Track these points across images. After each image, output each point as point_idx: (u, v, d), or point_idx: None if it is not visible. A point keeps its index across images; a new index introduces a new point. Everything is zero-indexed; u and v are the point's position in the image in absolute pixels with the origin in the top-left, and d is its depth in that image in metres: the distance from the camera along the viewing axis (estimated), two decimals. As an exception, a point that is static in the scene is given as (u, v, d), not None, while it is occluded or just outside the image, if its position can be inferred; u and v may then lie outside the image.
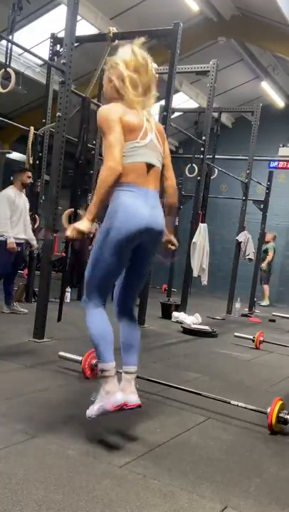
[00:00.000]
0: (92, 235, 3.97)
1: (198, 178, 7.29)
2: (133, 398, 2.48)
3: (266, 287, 11.64)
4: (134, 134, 2.34)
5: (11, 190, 5.72)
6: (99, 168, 7.15)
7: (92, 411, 2.41)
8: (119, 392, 2.39)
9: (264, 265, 11.16)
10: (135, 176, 2.35)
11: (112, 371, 2.39)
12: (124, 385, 2.51)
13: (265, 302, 11.61)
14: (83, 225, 2.35)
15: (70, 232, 2.38)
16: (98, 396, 2.43)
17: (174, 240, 2.74)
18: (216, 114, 8.87)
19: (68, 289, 7.26)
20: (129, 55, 2.44)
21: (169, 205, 2.66)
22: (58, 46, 5.90)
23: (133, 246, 2.40)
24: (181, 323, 6.59)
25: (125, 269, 2.55)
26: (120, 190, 2.34)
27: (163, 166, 2.54)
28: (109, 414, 2.41)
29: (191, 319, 6.64)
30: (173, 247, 2.76)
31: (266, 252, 11.26)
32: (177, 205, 2.82)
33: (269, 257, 11.39)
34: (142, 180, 2.37)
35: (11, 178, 5.89)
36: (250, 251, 9.06)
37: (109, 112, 2.33)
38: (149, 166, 2.40)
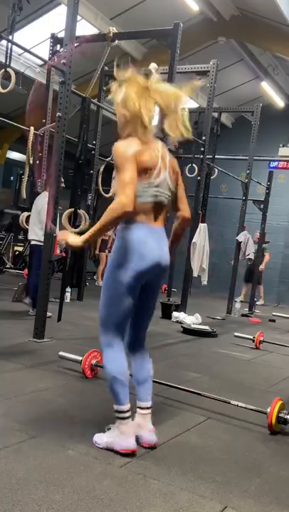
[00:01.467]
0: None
1: (198, 178, 7.29)
2: (151, 438, 2.44)
3: (261, 287, 11.57)
4: (148, 173, 2.33)
5: None
6: (99, 168, 7.23)
7: (101, 441, 2.38)
8: (133, 436, 2.35)
9: (263, 266, 11.08)
10: (146, 214, 2.36)
11: (128, 413, 2.36)
12: (140, 421, 2.47)
13: (262, 301, 11.55)
14: (75, 242, 2.34)
15: (60, 237, 2.40)
16: (112, 429, 2.39)
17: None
18: (216, 114, 8.88)
19: (68, 289, 7.26)
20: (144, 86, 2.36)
21: (175, 234, 2.68)
22: (58, 46, 5.91)
23: (142, 282, 2.41)
24: (181, 323, 6.60)
25: (134, 306, 2.51)
26: (132, 229, 2.35)
27: (176, 199, 2.54)
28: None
29: (191, 319, 6.64)
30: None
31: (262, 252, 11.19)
32: (183, 235, 2.81)
33: (266, 258, 11.30)
34: (150, 218, 2.39)
35: (11, 178, 5.89)
36: (250, 251, 9.07)
37: (126, 150, 2.29)
38: (158, 204, 2.41)
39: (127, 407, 2.35)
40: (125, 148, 2.30)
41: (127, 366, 2.41)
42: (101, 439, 2.39)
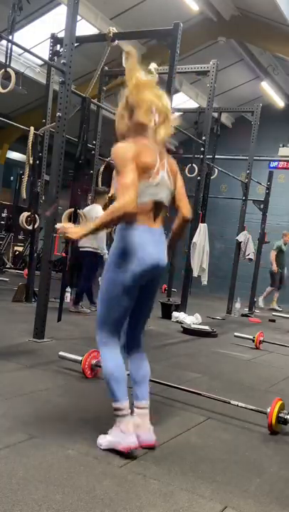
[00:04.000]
0: None
1: (198, 178, 7.29)
2: (149, 436, 2.44)
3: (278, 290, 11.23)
4: (147, 174, 2.33)
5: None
6: (99, 168, 7.22)
7: (104, 442, 2.38)
8: (134, 434, 2.35)
9: (275, 268, 10.98)
10: (145, 214, 2.37)
11: (126, 410, 2.36)
12: (138, 421, 2.46)
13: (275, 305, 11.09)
14: (72, 232, 2.35)
15: (60, 229, 2.40)
16: (112, 429, 2.39)
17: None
18: (215, 114, 8.88)
19: (68, 289, 7.26)
20: (149, 93, 2.39)
21: (175, 233, 2.67)
22: (58, 46, 5.91)
23: (140, 284, 2.42)
24: (181, 323, 6.60)
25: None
26: (132, 230, 2.35)
27: (175, 197, 2.54)
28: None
29: (191, 319, 6.64)
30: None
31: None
32: (182, 235, 2.81)
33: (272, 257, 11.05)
34: (150, 219, 2.40)
35: (11, 178, 5.91)
36: (250, 251, 9.06)
37: (125, 151, 2.30)
38: (157, 204, 2.41)
39: (125, 404, 2.35)
40: (125, 150, 2.31)
41: (123, 364, 2.42)
42: (104, 439, 2.39)
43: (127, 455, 2.29)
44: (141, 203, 2.31)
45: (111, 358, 2.43)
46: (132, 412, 2.43)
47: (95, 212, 6.24)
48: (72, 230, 2.37)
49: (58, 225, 2.44)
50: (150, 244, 2.37)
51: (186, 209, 2.61)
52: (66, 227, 2.40)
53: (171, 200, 2.51)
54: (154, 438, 2.46)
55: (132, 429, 2.36)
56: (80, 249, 6.43)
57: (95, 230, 2.36)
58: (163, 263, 2.45)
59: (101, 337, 2.46)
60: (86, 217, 5.53)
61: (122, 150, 2.32)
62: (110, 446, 2.34)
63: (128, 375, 2.50)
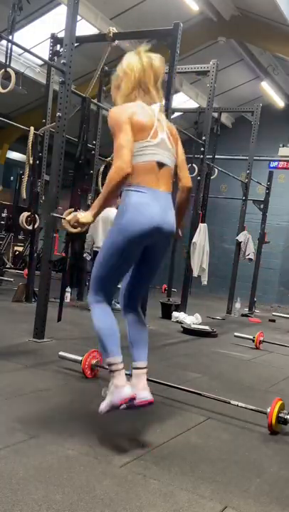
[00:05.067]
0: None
1: (198, 178, 7.29)
2: (145, 394, 2.43)
3: None
4: (144, 133, 2.32)
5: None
6: (99, 168, 7.22)
7: (103, 406, 2.39)
8: (127, 386, 2.36)
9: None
10: (145, 175, 2.33)
11: (120, 365, 2.36)
12: (135, 381, 2.47)
13: None
14: (84, 217, 2.36)
15: (69, 217, 2.40)
16: (108, 391, 2.40)
17: (179, 234, 2.74)
18: (216, 114, 8.88)
19: (68, 289, 7.26)
20: (132, 59, 2.45)
21: (179, 206, 2.64)
22: (58, 46, 5.91)
23: (143, 246, 2.39)
24: (181, 323, 6.60)
25: (135, 264, 2.52)
26: (129, 191, 2.33)
27: (176, 166, 2.51)
28: (118, 410, 2.38)
29: (191, 319, 6.65)
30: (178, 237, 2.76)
31: None
32: (189, 206, 2.79)
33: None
34: (153, 180, 2.35)
35: (11, 178, 5.91)
36: (250, 251, 9.07)
37: (120, 112, 2.32)
38: (161, 166, 2.37)
39: (117, 358, 2.35)
40: (119, 112, 2.33)
41: (115, 322, 2.42)
42: (102, 404, 2.38)
43: (126, 404, 2.29)
44: (141, 162, 2.30)
45: (102, 314, 2.43)
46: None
47: (112, 213, 6.30)
48: (83, 218, 2.35)
49: (68, 217, 2.42)
50: (152, 205, 2.33)
51: (187, 180, 2.59)
52: (77, 217, 2.37)
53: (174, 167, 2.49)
54: (150, 396, 2.44)
55: (125, 381, 2.36)
56: (95, 250, 6.74)
57: (103, 204, 2.33)
58: (169, 227, 2.40)
59: (93, 297, 2.46)
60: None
61: (117, 113, 2.33)
62: (110, 406, 2.34)
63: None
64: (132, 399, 2.33)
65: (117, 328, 2.43)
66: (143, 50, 2.47)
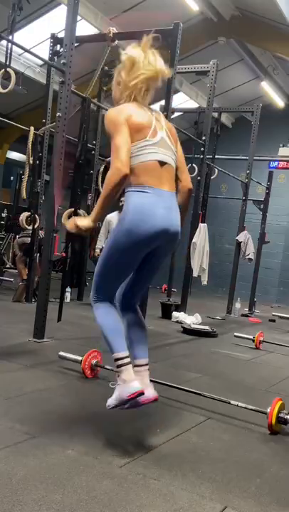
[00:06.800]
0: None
1: (198, 178, 7.29)
2: (149, 392, 2.41)
3: None
4: (142, 133, 2.29)
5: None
6: (99, 168, 7.22)
7: (111, 400, 2.37)
8: (135, 380, 2.33)
9: None
10: (147, 175, 2.29)
11: (126, 359, 2.33)
12: (138, 378, 2.43)
13: None
14: (84, 221, 2.34)
15: (69, 225, 2.38)
16: (116, 386, 2.37)
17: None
18: (216, 114, 8.88)
19: (68, 289, 7.26)
20: (133, 55, 2.40)
21: (179, 207, 2.59)
22: (58, 46, 5.90)
23: (148, 248, 2.35)
24: (181, 323, 6.60)
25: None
26: (132, 192, 2.29)
27: (176, 167, 2.47)
28: (120, 410, 2.39)
29: (191, 319, 6.65)
30: None
31: None
32: (189, 208, 2.75)
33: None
34: (155, 180, 2.30)
35: (11, 178, 5.92)
36: (250, 251, 9.06)
37: (116, 114, 2.29)
38: (162, 164, 2.33)
39: (123, 353, 2.33)
40: (116, 113, 2.30)
41: (119, 318, 2.40)
42: (110, 399, 2.36)
43: (134, 399, 2.26)
44: (141, 162, 2.27)
45: (105, 311, 2.41)
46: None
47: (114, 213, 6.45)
48: (82, 223, 2.33)
49: (67, 225, 2.40)
50: (157, 207, 2.29)
51: (187, 181, 2.55)
52: (78, 222, 2.35)
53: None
54: (154, 393, 2.42)
55: (134, 376, 2.33)
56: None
57: (102, 207, 2.30)
58: (174, 230, 2.36)
59: (95, 296, 2.45)
60: (84, 216, 5.56)
61: (113, 114, 2.30)
62: (118, 401, 2.32)
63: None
64: (141, 393, 2.29)
65: (121, 324, 2.41)
66: (152, 52, 2.41)
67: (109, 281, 2.43)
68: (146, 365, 2.50)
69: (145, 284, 2.60)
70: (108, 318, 2.40)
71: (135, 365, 2.48)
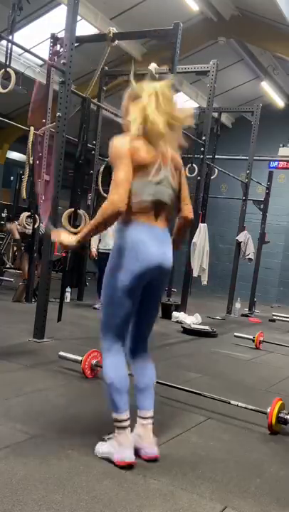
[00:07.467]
0: None
1: (198, 178, 7.29)
2: (150, 450, 2.32)
3: None
4: (146, 171, 2.24)
5: None
6: (99, 168, 7.22)
7: (101, 449, 2.30)
8: (131, 448, 2.24)
9: None
10: (145, 213, 2.27)
11: (126, 423, 2.26)
12: (141, 431, 2.36)
13: None
14: (68, 240, 2.29)
15: (54, 237, 2.37)
16: (111, 439, 2.31)
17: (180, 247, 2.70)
18: (215, 114, 8.88)
19: (68, 289, 7.26)
20: (150, 90, 2.29)
21: (178, 232, 2.60)
22: (58, 46, 5.91)
23: (144, 282, 2.32)
24: (181, 323, 6.60)
25: (137, 304, 2.41)
26: (129, 228, 2.27)
27: (178, 198, 2.45)
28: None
29: (191, 319, 6.65)
30: None
31: None
32: (186, 236, 2.72)
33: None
34: (152, 218, 2.30)
35: (11, 178, 5.92)
36: (250, 251, 9.07)
37: (121, 146, 2.22)
38: (160, 204, 2.31)
39: (125, 416, 2.25)
40: (120, 144, 2.23)
41: (126, 373, 2.32)
42: (101, 447, 2.31)
43: (122, 467, 2.19)
44: (140, 201, 2.24)
45: (113, 366, 2.32)
46: (135, 421, 2.35)
47: None
48: (65, 240, 2.29)
49: (54, 235, 2.38)
50: (150, 243, 2.27)
51: (189, 212, 2.52)
52: (61, 238, 2.31)
53: (176, 200, 2.42)
54: (156, 451, 2.35)
55: (130, 443, 2.26)
56: (101, 251, 6.95)
57: (90, 234, 2.26)
58: (167, 264, 2.34)
59: (105, 343, 2.36)
60: (84, 216, 5.52)
61: (118, 145, 2.23)
62: (106, 455, 2.26)
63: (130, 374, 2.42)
64: (130, 466, 2.21)
65: (127, 380, 2.31)
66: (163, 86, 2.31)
67: (118, 322, 2.33)
68: (151, 418, 2.40)
69: (149, 320, 2.52)
70: (115, 373, 2.30)
71: (139, 416, 2.39)
